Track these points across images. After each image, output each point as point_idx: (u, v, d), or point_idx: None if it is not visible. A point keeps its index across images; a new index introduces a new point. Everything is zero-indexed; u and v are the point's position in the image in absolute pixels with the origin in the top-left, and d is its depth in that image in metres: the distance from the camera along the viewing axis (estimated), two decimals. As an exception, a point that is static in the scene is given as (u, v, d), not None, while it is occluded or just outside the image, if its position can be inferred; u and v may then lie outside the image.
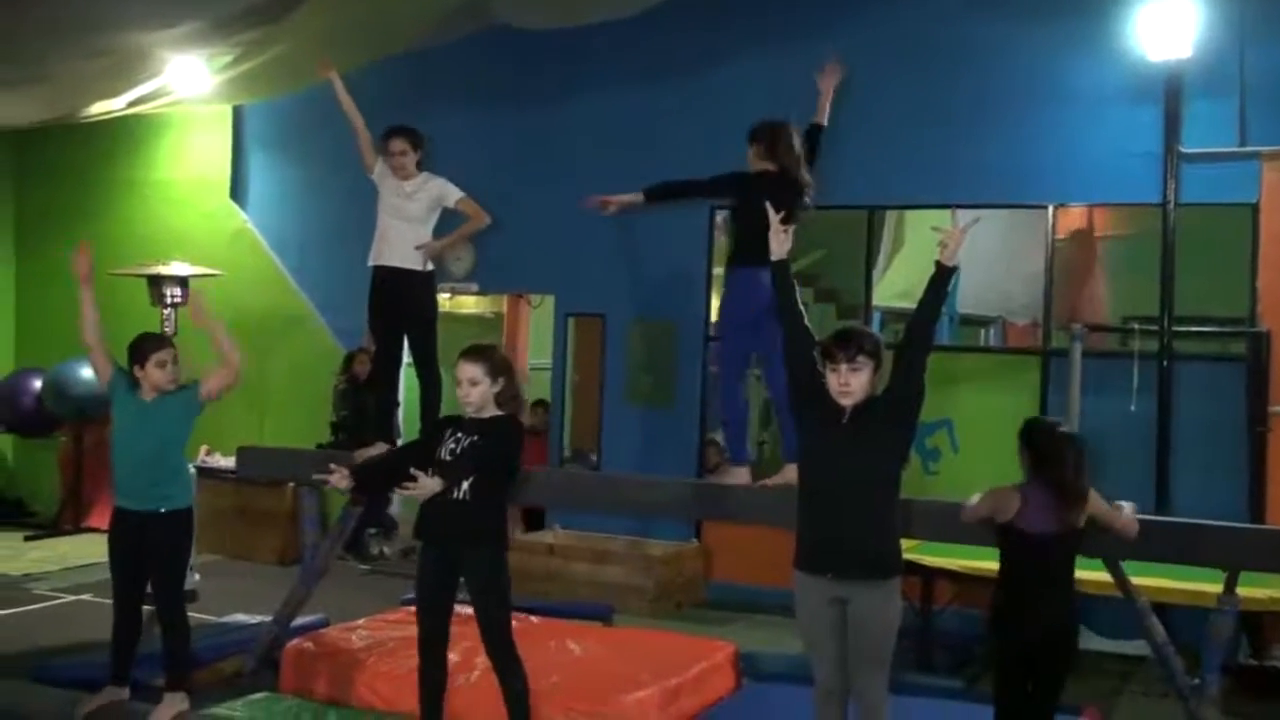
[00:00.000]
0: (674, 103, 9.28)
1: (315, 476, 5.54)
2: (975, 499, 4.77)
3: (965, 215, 4.64)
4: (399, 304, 6.47)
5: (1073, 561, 4.75)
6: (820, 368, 4.49)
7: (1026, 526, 4.59)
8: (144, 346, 5.78)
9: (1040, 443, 4.64)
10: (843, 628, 4.46)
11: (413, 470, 4.91)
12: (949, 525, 5.43)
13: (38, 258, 12.35)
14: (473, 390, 5.03)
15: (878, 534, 4.44)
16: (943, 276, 4.52)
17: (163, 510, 5.69)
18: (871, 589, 4.40)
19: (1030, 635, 4.64)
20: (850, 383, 4.40)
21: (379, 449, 6.25)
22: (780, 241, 4.75)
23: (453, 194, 6.59)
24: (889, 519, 4.48)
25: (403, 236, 6.45)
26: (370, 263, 6.54)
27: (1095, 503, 4.74)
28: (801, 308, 4.71)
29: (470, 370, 5.03)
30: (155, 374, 5.73)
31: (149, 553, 5.72)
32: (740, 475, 5.91)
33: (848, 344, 4.41)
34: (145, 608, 5.87)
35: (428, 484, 4.88)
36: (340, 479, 5.23)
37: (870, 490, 4.43)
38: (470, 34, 9.64)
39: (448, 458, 5.03)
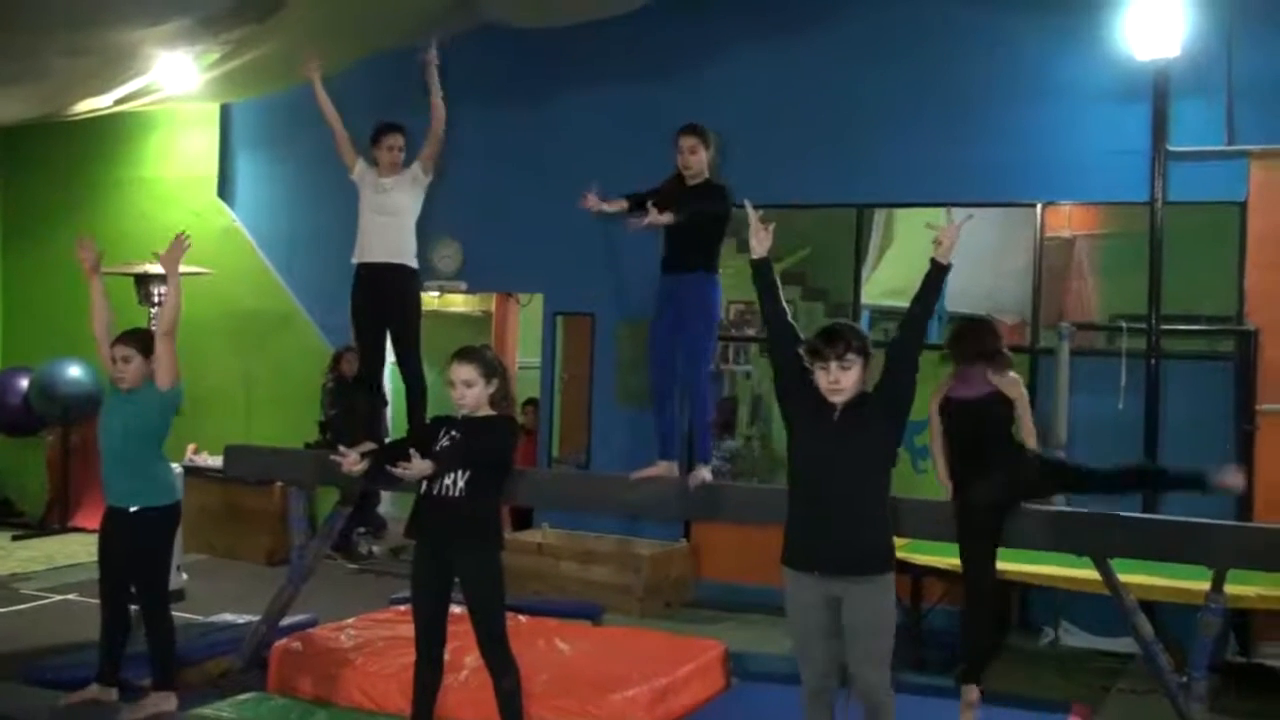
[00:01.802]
0: (665, 101, 9.25)
1: (331, 457, 5.58)
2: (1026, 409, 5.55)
3: (959, 213, 4.65)
4: (382, 300, 6.42)
5: (1009, 429, 5.55)
6: (808, 365, 4.48)
7: (960, 394, 5.54)
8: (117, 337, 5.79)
9: (956, 333, 5.66)
10: (833, 628, 4.45)
11: (410, 450, 4.89)
12: (939, 523, 5.45)
13: (24, 256, 12.31)
14: (468, 392, 5.02)
15: (869, 530, 4.42)
16: (937, 274, 4.51)
17: (134, 508, 5.66)
18: (864, 585, 4.38)
19: (994, 486, 5.38)
20: (841, 380, 4.38)
21: (364, 448, 6.22)
22: (762, 239, 4.73)
23: (417, 160, 6.50)
24: (880, 515, 4.47)
25: (384, 231, 6.40)
26: (354, 260, 6.50)
27: (1019, 390, 5.61)
28: (785, 305, 4.69)
29: (464, 372, 5.02)
30: (111, 367, 5.71)
31: (127, 551, 5.70)
32: (705, 473, 5.93)
33: (836, 341, 4.39)
34: (133, 607, 5.84)
35: (420, 465, 4.86)
36: (353, 463, 5.26)
37: (861, 486, 4.42)
38: (459, 33, 9.62)
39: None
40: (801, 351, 4.52)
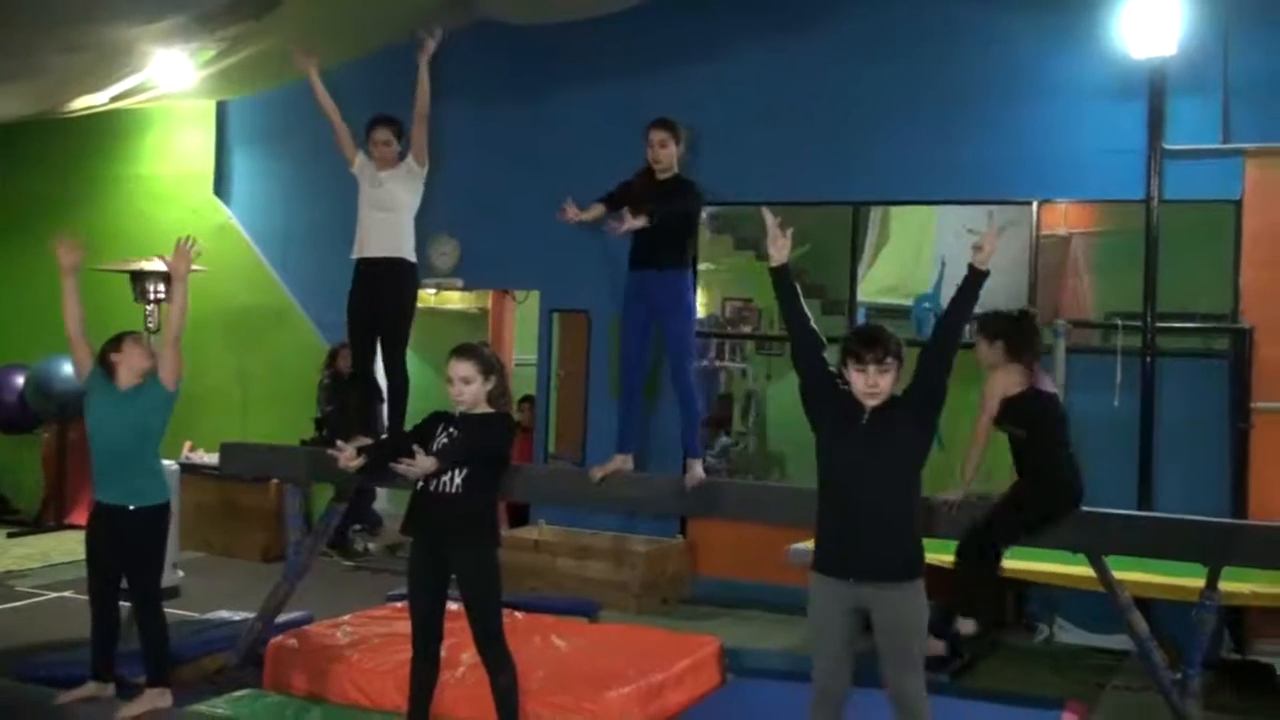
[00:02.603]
0: (661, 98, 9.23)
1: (328, 452, 5.57)
2: (988, 408, 5.34)
3: (998, 218, 4.65)
4: (379, 294, 6.40)
5: None
6: (837, 368, 4.47)
7: (1044, 388, 5.40)
8: (117, 335, 5.81)
9: (1025, 329, 5.43)
10: (853, 634, 4.44)
11: (414, 447, 4.88)
12: (958, 523, 5.41)
13: (20, 253, 12.27)
14: (466, 389, 5.01)
15: (901, 535, 4.38)
16: (975, 280, 4.49)
17: (133, 507, 5.67)
18: (894, 590, 4.33)
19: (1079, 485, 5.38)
20: (879, 383, 4.36)
21: (357, 443, 6.17)
22: (780, 246, 4.71)
23: (411, 153, 6.48)
24: (911, 519, 4.43)
25: (381, 226, 6.38)
26: (353, 256, 6.49)
27: None
28: (807, 310, 4.65)
29: (463, 369, 5.02)
30: (132, 352, 5.72)
31: (123, 549, 5.70)
32: (700, 470, 5.95)
33: (876, 345, 4.37)
34: (123, 604, 5.84)
35: (424, 462, 4.85)
36: (349, 458, 5.26)
37: (891, 490, 4.38)
38: (456, 29, 9.62)
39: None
40: (825, 355, 4.52)
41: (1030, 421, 5.38)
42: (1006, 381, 5.35)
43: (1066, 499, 5.36)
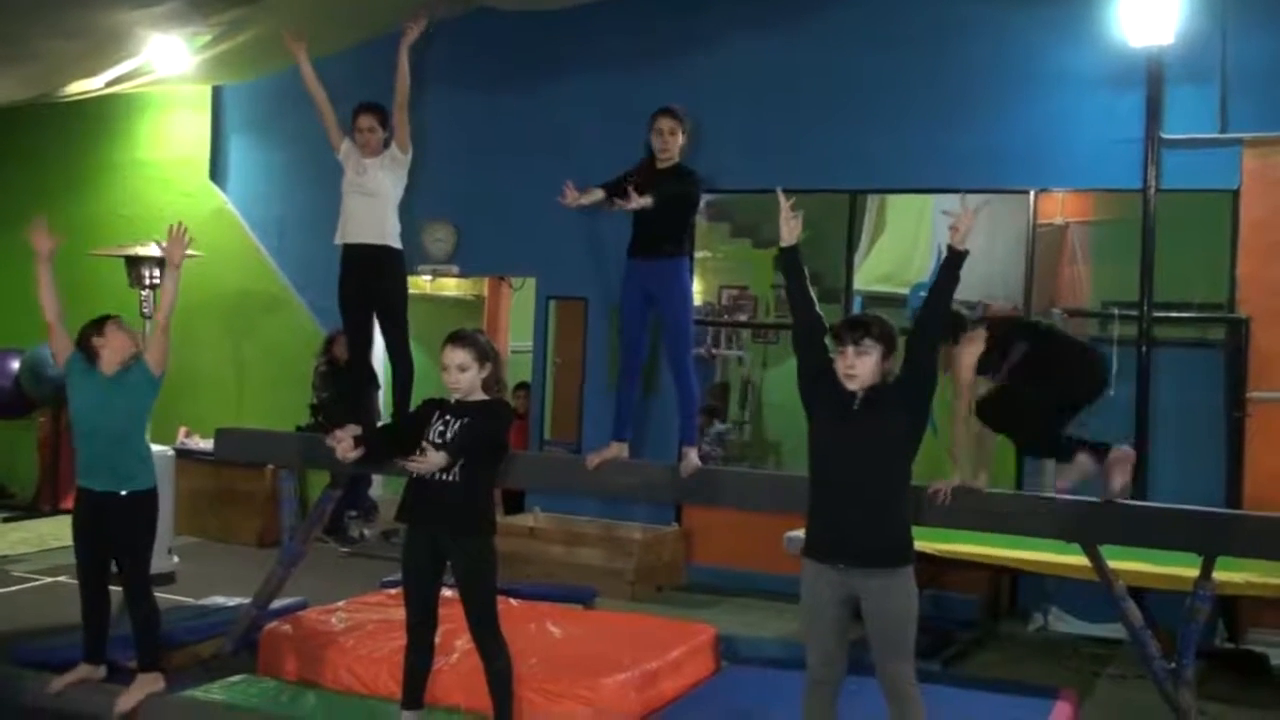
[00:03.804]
0: (657, 85, 9.23)
1: (327, 441, 5.54)
2: (963, 380, 5.29)
3: (973, 199, 4.63)
4: (367, 281, 6.38)
5: None
6: (830, 353, 4.47)
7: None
8: (98, 319, 5.78)
9: (954, 324, 5.35)
10: (845, 622, 4.44)
11: (424, 444, 4.87)
12: (961, 513, 5.38)
13: (15, 238, 12.18)
14: (461, 376, 5.00)
15: (890, 522, 4.38)
16: (954, 261, 4.48)
17: (124, 492, 5.67)
18: (884, 578, 4.33)
19: None
20: (856, 365, 4.35)
21: (351, 432, 6.17)
22: (791, 227, 4.71)
23: (394, 140, 6.46)
24: (901, 506, 4.43)
25: (364, 212, 6.34)
26: (336, 241, 6.46)
27: None
28: (812, 293, 4.65)
29: (459, 356, 5.00)
30: (116, 336, 5.70)
31: (113, 535, 5.70)
32: (695, 457, 5.93)
33: (855, 327, 4.38)
34: (114, 588, 5.84)
35: (435, 458, 4.82)
36: (347, 448, 5.23)
37: (882, 478, 4.38)
38: (453, 17, 9.60)
39: (436, 440, 4.98)
40: (826, 341, 4.52)
41: (1007, 364, 5.38)
42: (973, 346, 5.33)
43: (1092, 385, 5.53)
